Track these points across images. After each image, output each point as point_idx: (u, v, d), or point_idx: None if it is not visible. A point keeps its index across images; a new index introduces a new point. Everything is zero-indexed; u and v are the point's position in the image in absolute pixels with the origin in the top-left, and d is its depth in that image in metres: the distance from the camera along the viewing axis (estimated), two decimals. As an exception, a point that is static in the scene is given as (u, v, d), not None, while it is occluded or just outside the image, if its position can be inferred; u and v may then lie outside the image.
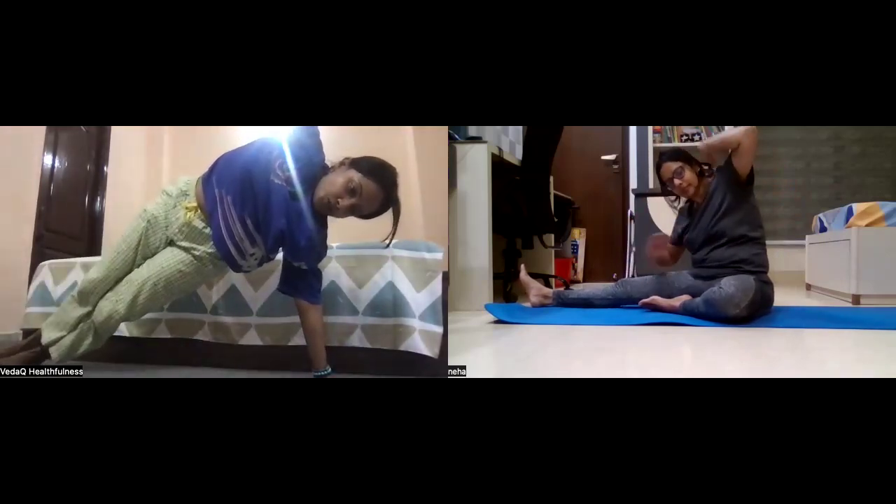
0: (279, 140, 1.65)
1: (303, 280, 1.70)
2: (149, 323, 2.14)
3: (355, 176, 1.60)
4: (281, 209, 1.65)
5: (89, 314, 1.75)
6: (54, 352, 1.69)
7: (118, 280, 1.75)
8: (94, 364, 1.92)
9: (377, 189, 1.62)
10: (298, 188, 1.63)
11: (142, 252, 1.75)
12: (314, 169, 1.65)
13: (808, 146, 5.33)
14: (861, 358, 1.84)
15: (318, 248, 1.72)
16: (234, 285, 2.06)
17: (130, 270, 1.75)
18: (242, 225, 1.69)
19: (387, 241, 1.72)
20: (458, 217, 2.95)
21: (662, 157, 2.75)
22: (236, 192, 1.68)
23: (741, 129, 2.47)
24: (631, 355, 1.83)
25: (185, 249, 1.74)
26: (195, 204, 1.74)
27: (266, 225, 1.68)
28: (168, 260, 1.73)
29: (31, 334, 1.80)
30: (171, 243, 1.76)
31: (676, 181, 2.62)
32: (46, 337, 1.73)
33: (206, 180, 1.74)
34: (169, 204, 1.77)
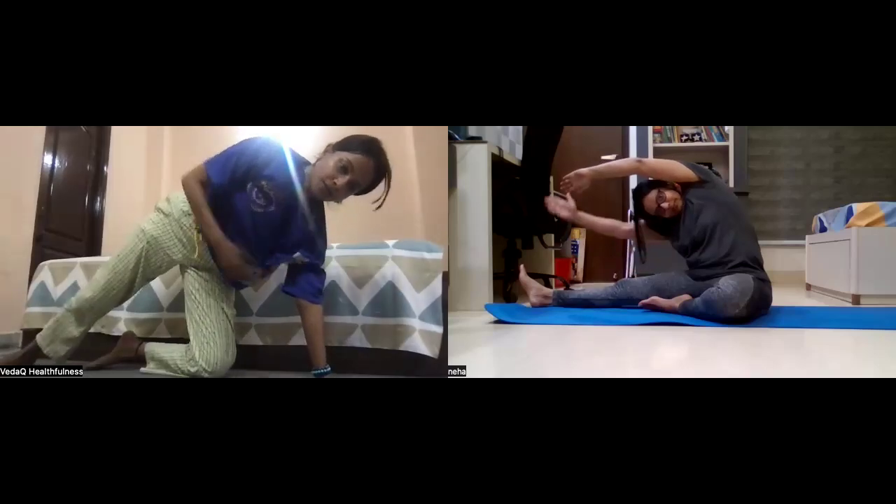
0: (251, 162, 1.66)
1: (305, 278, 1.72)
2: (149, 323, 2.14)
3: (343, 155, 1.64)
4: (269, 238, 1.71)
5: (87, 330, 1.80)
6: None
7: (116, 300, 1.79)
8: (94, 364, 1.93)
9: (367, 160, 1.65)
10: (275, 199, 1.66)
11: (143, 273, 1.78)
12: (292, 173, 1.67)
13: (808, 146, 5.34)
14: (861, 358, 1.84)
15: (316, 246, 1.74)
16: (234, 285, 2.06)
17: (129, 290, 1.78)
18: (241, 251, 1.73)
19: (378, 204, 1.69)
20: (458, 217, 2.95)
21: (635, 194, 2.81)
22: (227, 224, 1.69)
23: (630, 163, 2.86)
24: (631, 355, 1.83)
25: (210, 269, 1.80)
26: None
27: (260, 252, 1.73)
28: (219, 293, 1.79)
29: (30, 340, 1.83)
30: (193, 268, 1.80)
31: (664, 205, 2.67)
32: (53, 351, 1.76)
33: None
34: (168, 224, 1.77)
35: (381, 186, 1.69)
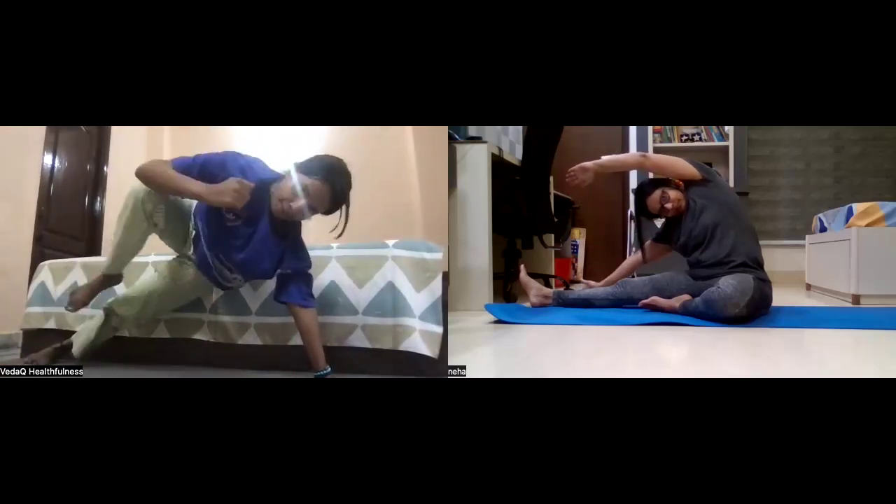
0: (216, 174, 1.65)
1: (291, 285, 1.76)
2: (149, 323, 2.14)
3: (301, 178, 1.64)
4: (242, 249, 1.73)
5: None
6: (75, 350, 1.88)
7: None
8: (94, 364, 1.93)
9: (322, 185, 1.63)
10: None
11: (163, 229, 1.83)
12: (266, 188, 1.67)
13: (808, 146, 5.33)
14: (861, 358, 1.84)
15: (297, 258, 1.78)
16: (234, 285, 2.06)
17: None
18: (217, 259, 1.80)
19: (337, 234, 1.69)
20: (458, 217, 2.95)
21: (638, 194, 2.81)
22: (206, 231, 1.77)
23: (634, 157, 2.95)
24: (631, 355, 1.83)
25: (193, 264, 1.88)
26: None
27: (234, 262, 1.78)
28: (178, 272, 1.88)
29: (30, 340, 1.88)
30: (182, 258, 1.90)
31: (668, 205, 2.66)
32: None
33: (194, 213, 1.83)
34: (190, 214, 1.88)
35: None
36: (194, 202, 1.82)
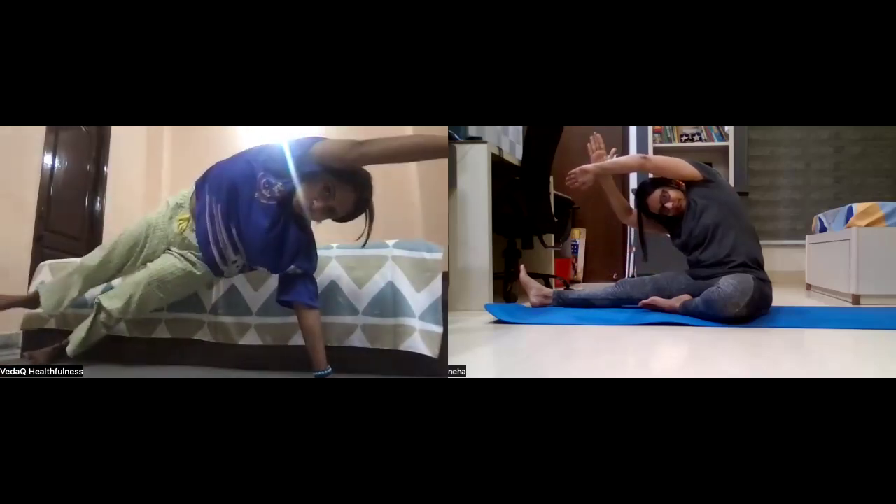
0: (266, 155, 1.69)
1: (298, 285, 1.75)
2: (149, 323, 2.14)
3: (329, 178, 1.63)
4: (263, 229, 1.71)
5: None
6: (69, 347, 1.89)
7: (109, 274, 1.89)
8: (94, 364, 1.93)
9: (349, 191, 1.65)
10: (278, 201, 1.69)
11: (144, 257, 1.87)
12: (296, 185, 1.67)
13: (808, 146, 5.33)
14: (861, 358, 1.84)
15: (305, 254, 1.76)
16: (234, 285, 2.06)
17: (122, 267, 1.88)
18: (227, 233, 1.77)
19: (362, 242, 1.74)
20: (458, 217, 2.95)
21: (639, 193, 2.79)
22: (224, 203, 1.74)
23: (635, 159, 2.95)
24: (631, 355, 1.83)
25: (180, 256, 1.86)
26: (188, 216, 1.84)
27: (247, 240, 1.75)
28: (163, 263, 1.85)
29: (30, 340, 1.90)
30: (168, 250, 1.88)
31: (668, 205, 2.65)
32: (52, 306, 1.88)
33: (200, 186, 1.80)
34: (167, 215, 1.88)
35: (363, 223, 1.70)
36: (151, 224, 1.87)
